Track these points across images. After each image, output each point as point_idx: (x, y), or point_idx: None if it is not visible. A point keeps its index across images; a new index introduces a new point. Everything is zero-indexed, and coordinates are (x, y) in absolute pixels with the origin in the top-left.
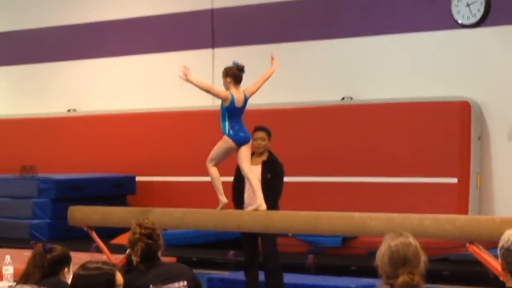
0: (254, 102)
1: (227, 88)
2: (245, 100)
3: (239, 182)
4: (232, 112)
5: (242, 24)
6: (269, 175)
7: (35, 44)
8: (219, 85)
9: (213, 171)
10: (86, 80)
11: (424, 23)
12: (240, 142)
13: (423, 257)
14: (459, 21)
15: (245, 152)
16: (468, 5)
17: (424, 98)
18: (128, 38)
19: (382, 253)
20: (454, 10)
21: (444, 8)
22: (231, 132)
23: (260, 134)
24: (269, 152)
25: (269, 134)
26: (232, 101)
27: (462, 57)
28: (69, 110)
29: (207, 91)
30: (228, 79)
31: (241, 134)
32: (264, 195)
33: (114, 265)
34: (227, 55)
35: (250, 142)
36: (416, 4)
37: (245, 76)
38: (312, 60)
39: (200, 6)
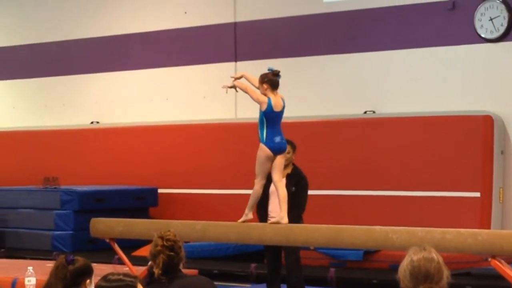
0: None
1: (265, 95)
2: (284, 105)
3: (264, 196)
4: (270, 117)
5: (264, 37)
6: (293, 188)
7: (59, 56)
8: (241, 98)
9: (257, 186)
10: (109, 92)
11: (447, 37)
12: (276, 150)
13: (446, 273)
14: (482, 35)
15: (279, 161)
16: (491, 19)
17: (446, 112)
18: (151, 51)
19: (404, 267)
20: (477, 25)
21: (467, 22)
22: (268, 140)
23: None
24: (294, 165)
25: (293, 147)
26: (270, 105)
27: (485, 71)
28: (92, 122)
29: (244, 90)
30: (265, 86)
31: (277, 140)
32: (288, 208)
33: (135, 277)
34: (249, 69)
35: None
36: (439, 18)
37: None
38: (335, 73)
39: (223, 19)
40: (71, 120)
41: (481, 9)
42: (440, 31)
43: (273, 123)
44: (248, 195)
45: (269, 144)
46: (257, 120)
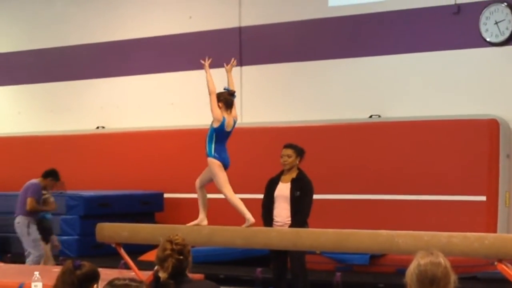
0: (281, 120)
1: None
2: (234, 125)
3: (269, 200)
4: (220, 135)
5: (269, 42)
6: (298, 193)
7: (64, 62)
8: (246, 103)
9: (231, 195)
10: (114, 97)
11: (453, 41)
12: (225, 164)
13: (453, 277)
14: (488, 39)
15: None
16: (496, 23)
17: (452, 116)
18: (156, 56)
19: (411, 271)
20: (483, 28)
21: (473, 26)
22: (216, 154)
23: (286, 151)
24: (299, 169)
25: (297, 151)
26: (223, 124)
27: (490, 75)
28: (97, 127)
29: (210, 93)
30: (220, 104)
31: (223, 155)
32: (293, 213)
33: (141, 282)
34: (254, 73)
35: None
36: (444, 22)
37: (273, 93)
38: (340, 78)
39: (228, 24)
40: (76, 125)
41: (486, 13)
42: (445, 35)
43: (222, 140)
44: (255, 199)
45: (219, 158)
46: (262, 125)
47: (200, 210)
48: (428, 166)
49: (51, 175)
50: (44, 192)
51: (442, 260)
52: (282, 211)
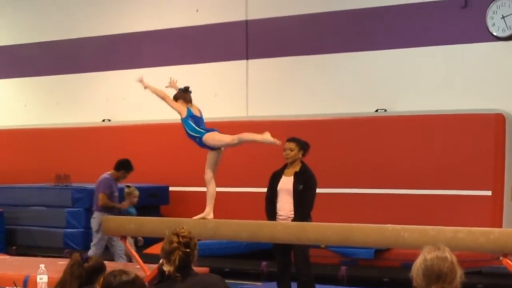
0: (287, 113)
1: None
2: (201, 113)
3: (272, 194)
4: (194, 121)
5: (276, 35)
6: (301, 186)
7: (71, 54)
8: (252, 96)
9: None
10: (120, 90)
11: (459, 36)
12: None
13: (459, 272)
14: (494, 34)
15: (212, 155)
16: (503, 17)
17: (458, 111)
18: (162, 48)
19: (417, 266)
20: (489, 23)
21: (479, 20)
22: (204, 130)
23: (289, 144)
24: (302, 163)
25: (300, 145)
26: (189, 110)
27: (497, 69)
28: (103, 120)
29: (162, 98)
30: (179, 102)
31: (211, 129)
32: (295, 206)
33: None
34: (261, 66)
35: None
36: (451, 16)
37: (280, 87)
38: (346, 72)
39: (234, 17)
40: (82, 117)
41: (493, 7)
42: (452, 29)
43: (200, 123)
44: (258, 193)
45: (209, 130)
46: (268, 119)
47: (207, 203)
48: (434, 160)
49: (124, 167)
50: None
51: (449, 255)
52: (285, 204)
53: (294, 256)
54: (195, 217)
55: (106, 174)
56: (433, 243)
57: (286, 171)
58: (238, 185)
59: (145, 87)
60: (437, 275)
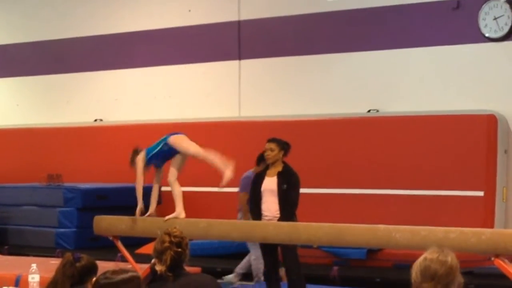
0: (280, 114)
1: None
2: None
3: (256, 194)
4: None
5: (268, 36)
6: (285, 186)
7: (63, 54)
8: (245, 96)
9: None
10: (113, 90)
11: (451, 36)
12: None
13: (458, 279)
14: (486, 35)
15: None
16: (495, 18)
17: (450, 111)
18: (155, 49)
19: (417, 264)
20: (482, 24)
21: (472, 21)
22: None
23: (269, 145)
24: (284, 163)
25: (280, 145)
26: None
27: (489, 70)
28: (95, 120)
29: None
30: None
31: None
32: (280, 206)
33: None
34: (253, 67)
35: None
36: (443, 17)
37: (272, 87)
38: (338, 72)
39: (227, 17)
40: (74, 117)
41: (485, 8)
42: (444, 30)
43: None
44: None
45: (170, 134)
46: (260, 119)
47: (176, 203)
48: (426, 161)
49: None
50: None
51: (450, 259)
52: (270, 205)
53: (284, 255)
54: (166, 217)
55: (246, 173)
56: (430, 244)
57: (268, 171)
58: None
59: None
60: (432, 275)
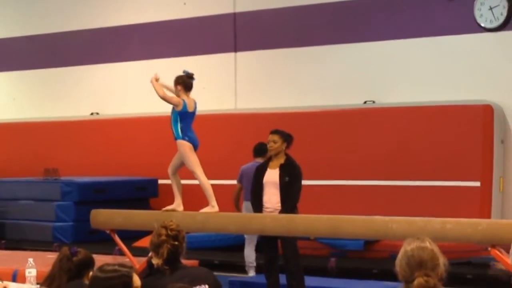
0: (276, 106)
1: (178, 96)
2: (195, 106)
3: (258, 187)
4: (184, 116)
5: (264, 28)
6: (287, 178)
7: (58, 48)
8: (241, 89)
9: (203, 178)
10: (109, 83)
11: (447, 27)
12: (194, 145)
13: (441, 260)
14: (482, 25)
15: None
16: (491, 8)
17: (446, 102)
18: (150, 42)
19: (400, 258)
20: (477, 14)
21: (467, 11)
22: (184, 136)
23: (272, 137)
24: (286, 155)
25: (283, 137)
26: (185, 106)
27: (485, 60)
28: (92, 114)
29: (162, 97)
30: (179, 87)
31: (192, 136)
32: (282, 198)
33: (131, 267)
34: (249, 59)
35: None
36: (439, 8)
37: (268, 79)
38: (335, 63)
39: (222, 10)
40: (71, 111)
41: None
42: (440, 21)
43: (187, 122)
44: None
45: (186, 139)
46: (257, 111)
47: (175, 196)
48: (422, 151)
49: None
50: None
51: (429, 244)
52: (272, 197)
53: (283, 247)
54: (164, 209)
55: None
56: (418, 235)
57: (270, 163)
58: (227, 177)
59: (155, 80)
60: (418, 262)
